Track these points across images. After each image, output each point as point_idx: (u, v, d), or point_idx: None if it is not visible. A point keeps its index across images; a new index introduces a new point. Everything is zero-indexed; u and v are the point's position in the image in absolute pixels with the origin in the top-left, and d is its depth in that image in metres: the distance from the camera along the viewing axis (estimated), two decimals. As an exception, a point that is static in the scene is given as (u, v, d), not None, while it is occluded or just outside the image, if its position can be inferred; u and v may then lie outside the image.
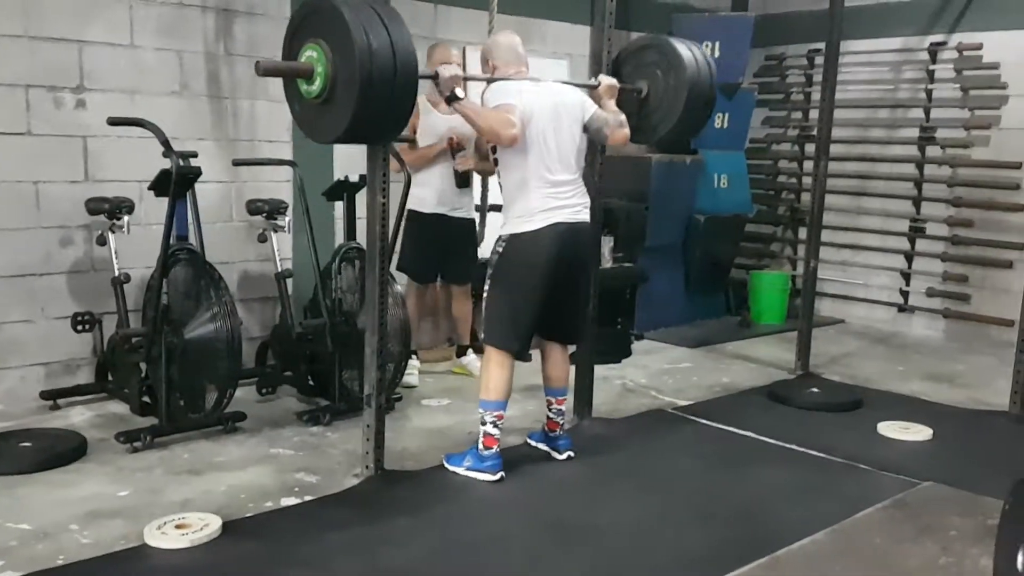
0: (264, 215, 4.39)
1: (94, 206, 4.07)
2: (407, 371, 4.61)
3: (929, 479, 3.57)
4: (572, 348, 3.90)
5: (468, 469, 3.52)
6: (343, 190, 4.48)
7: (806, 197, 6.42)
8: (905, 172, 6.61)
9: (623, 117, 3.66)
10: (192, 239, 4.03)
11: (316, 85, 3.02)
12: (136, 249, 4.22)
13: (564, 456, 3.72)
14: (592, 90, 3.77)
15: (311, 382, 4.43)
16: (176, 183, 3.74)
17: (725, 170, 6.62)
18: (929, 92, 6.45)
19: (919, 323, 6.63)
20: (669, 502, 3.38)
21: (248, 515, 3.14)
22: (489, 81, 3.54)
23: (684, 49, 4.00)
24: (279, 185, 4.84)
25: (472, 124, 3.43)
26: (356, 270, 4.34)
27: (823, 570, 2.87)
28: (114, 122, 3.99)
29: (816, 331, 5.61)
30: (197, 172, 3.89)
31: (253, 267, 4.88)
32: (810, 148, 6.42)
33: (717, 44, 6.29)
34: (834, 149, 5.72)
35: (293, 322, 4.33)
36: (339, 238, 4.79)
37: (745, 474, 3.70)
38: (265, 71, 3.07)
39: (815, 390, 4.85)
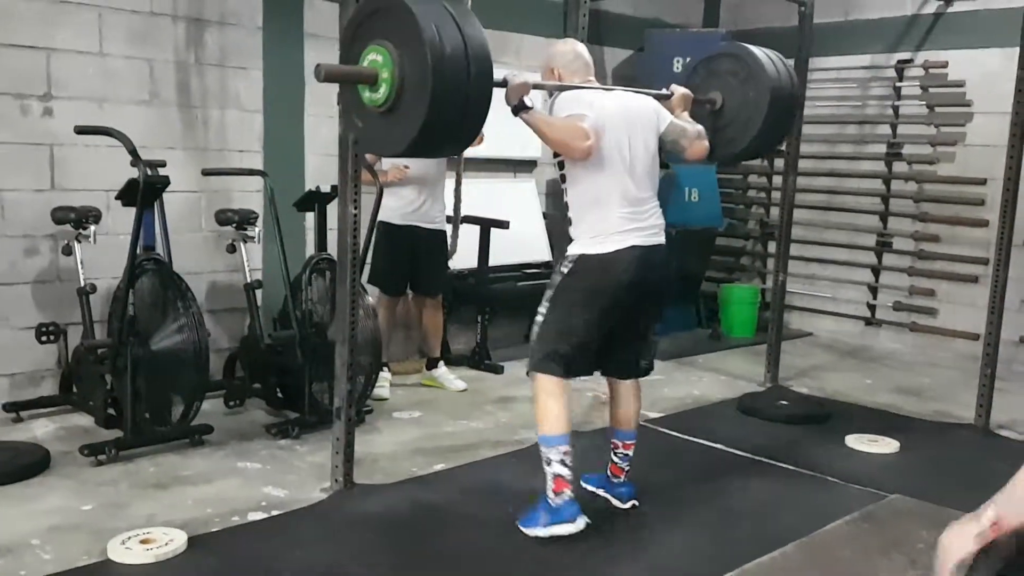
0: (234, 225, 4.35)
1: (60, 215, 4.01)
2: (378, 383, 4.59)
3: (896, 491, 3.61)
4: (638, 382, 3.44)
5: (547, 526, 3.08)
6: (314, 201, 4.46)
7: (775, 211, 6.47)
8: (872, 187, 6.69)
9: (701, 128, 3.37)
10: (160, 249, 3.99)
11: (381, 92, 2.69)
12: (102, 259, 4.17)
13: (627, 505, 3.40)
14: (664, 101, 3.45)
15: (280, 394, 4.39)
16: (143, 192, 3.70)
17: (696, 184, 6.67)
18: (896, 109, 6.55)
19: (886, 336, 6.71)
20: (639, 514, 3.38)
21: (214, 530, 3.10)
22: (557, 90, 3.18)
23: (763, 56, 3.65)
24: (249, 195, 4.80)
25: (541, 136, 3.03)
26: (327, 281, 4.31)
27: (792, 583, 2.89)
28: (81, 130, 3.94)
29: (785, 344, 5.66)
30: (165, 181, 3.85)
31: (222, 278, 4.83)
32: (779, 163, 6.48)
33: (688, 60, 6.34)
34: (803, 164, 5.79)
35: (262, 333, 4.29)
36: (310, 249, 4.76)
37: (714, 486, 3.71)
38: (327, 76, 2.73)
39: (784, 403, 4.88)
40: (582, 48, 3.33)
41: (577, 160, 3.05)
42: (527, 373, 3.23)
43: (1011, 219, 4.39)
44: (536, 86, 3.04)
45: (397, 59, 2.64)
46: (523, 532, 3.13)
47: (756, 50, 3.69)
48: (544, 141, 3.08)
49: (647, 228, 3.17)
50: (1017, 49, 4.31)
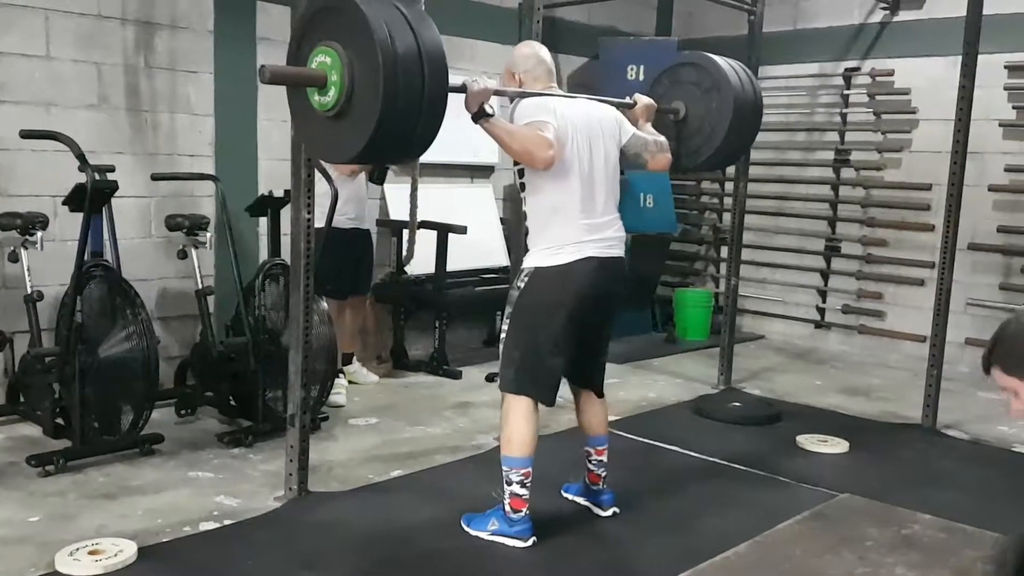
0: (184, 231, 4.29)
1: (6, 221, 3.93)
2: (334, 390, 4.56)
3: (846, 490, 3.67)
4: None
5: (494, 534, 3.11)
6: (267, 205, 4.42)
7: (728, 217, 6.56)
8: (821, 193, 6.82)
9: (664, 140, 3.33)
10: (108, 255, 3.92)
11: (330, 96, 2.58)
12: (50, 266, 4.09)
13: (609, 512, 3.38)
14: (627, 110, 3.42)
15: (233, 402, 4.33)
16: (91, 198, 3.64)
17: (651, 190, 6.73)
18: (844, 116, 6.68)
19: (835, 339, 6.83)
20: (593, 516, 3.39)
21: (165, 540, 3.05)
22: (517, 97, 3.11)
23: (726, 66, 3.68)
24: (200, 200, 4.74)
25: (502, 145, 2.94)
26: (280, 287, 4.27)
27: (745, 582, 2.92)
28: (27, 135, 3.87)
29: (738, 347, 5.74)
30: (113, 186, 3.79)
31: (172, 284, 4.76)
32: (731, 170, 6.56)
33: (642, 67, 6.42)
34: (753, 171, 5.89)
35: (214, 341, 4.24)
36: (263, 254, 4.72)
37: (669, 487, 3.75)
38: (273, 78, 2.60)
39: (737, 404, 4.95)
40: (545, 53, 3.26)
41: (540, 170, 2.97)
42: (500, 387, 3.16)
43: (955, 223, 4.50)
44: (497, 92, 2.97)
45: (347, 61, 2.54)
46: (465, 529, 3.17)
47: (719, 60, 3.70)
48: (505, 150, 2.98)
49: (605, 240, 3.12)
50: (959, 57, 4.43)
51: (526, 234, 3.18)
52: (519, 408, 3.09)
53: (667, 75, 3.83)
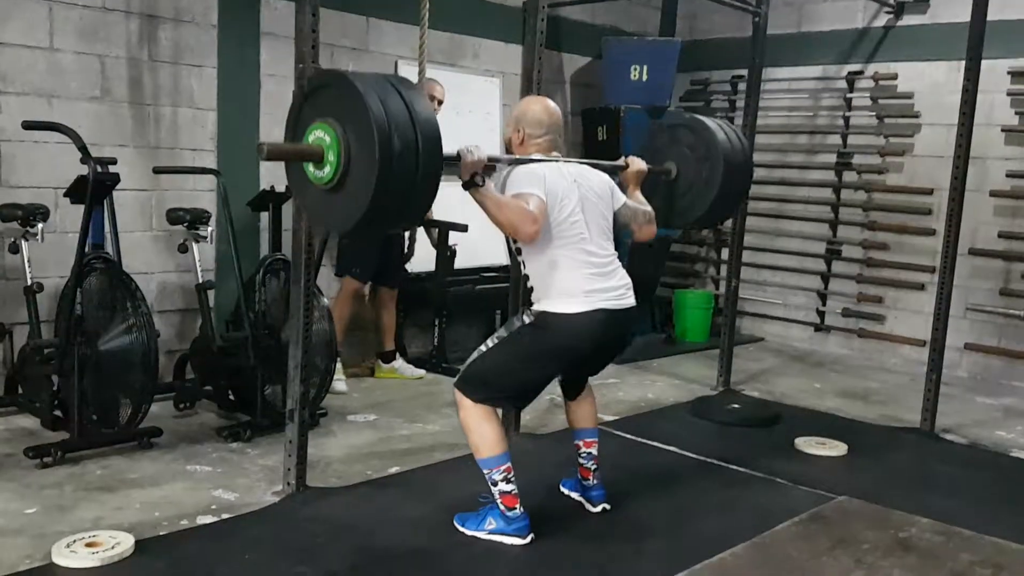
0: (185, 224, 4.29)
1: (7, 213, 3.93)
2: (336, 376, 4.63)
3: (844, 493, 3.67)
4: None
5: (492, 532, 3.11)
6: (269, 200, 4.42)
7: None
8: (823, 196, 6.82)
9: (651, 211, 3.44)
10: (109, 248, 3.92)
11: (326, 171, 2.66)
12: (50, 257, 4.09)
13: (598, 508, 3.40)
14: (619, 171, 3.55)
15: (231, 397, 4.34)
16: (93, 190, 3.64)
17: (652, 190, 6.73)
18: (847, 119, 6.68)
19: (834, 342, 6.83)
20: (590, 516, 3.40)
21: (162, 533, 3.05)
22: (514, 163, 3.14)
23: (722, 136, 3.81)
24: (202, 194, 4.74)
25: (489, 215, 2.95)
26: (281, 282, 4.27)
27: (742, 583, 2.92)
28: (29, 126, 3.87)
29: (737, 349, 5.74)
30: (115, 179, 3.79)
31: (173, 278, 4.76)
32: (733, 170, 6.57)
33: (645, 67, 6.41)
34: (755, 173, 5.86)
35: (214, 335, 4.24)
36: (264, 249, 4.71)
37: (667, 488, 3.75)
38: (270, 154, 2.70)
39: (735, 406, 4.95)
40: (554, 116, 3.26)
41: (526, 243, 3.04)
42: (462, 390, 3.13)
43: (956, 228, 4.50)
44: (491, 160, 3.00)
45: (343, 137, 2.61)
46: (460, 530, 3.17)
47: (716, 129, 3.84)
48: (491, 220, 2.98)
49: (614, 289, 3.15)
50: (963, 62, 4.43)
51: (530, 292, 3.19)
52: (478, 413, 3.10)
53: (666, 132, 4.00)
